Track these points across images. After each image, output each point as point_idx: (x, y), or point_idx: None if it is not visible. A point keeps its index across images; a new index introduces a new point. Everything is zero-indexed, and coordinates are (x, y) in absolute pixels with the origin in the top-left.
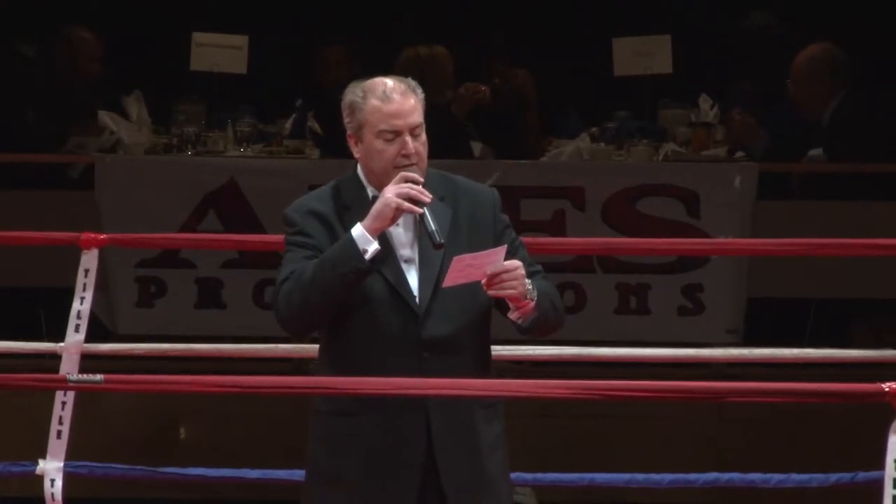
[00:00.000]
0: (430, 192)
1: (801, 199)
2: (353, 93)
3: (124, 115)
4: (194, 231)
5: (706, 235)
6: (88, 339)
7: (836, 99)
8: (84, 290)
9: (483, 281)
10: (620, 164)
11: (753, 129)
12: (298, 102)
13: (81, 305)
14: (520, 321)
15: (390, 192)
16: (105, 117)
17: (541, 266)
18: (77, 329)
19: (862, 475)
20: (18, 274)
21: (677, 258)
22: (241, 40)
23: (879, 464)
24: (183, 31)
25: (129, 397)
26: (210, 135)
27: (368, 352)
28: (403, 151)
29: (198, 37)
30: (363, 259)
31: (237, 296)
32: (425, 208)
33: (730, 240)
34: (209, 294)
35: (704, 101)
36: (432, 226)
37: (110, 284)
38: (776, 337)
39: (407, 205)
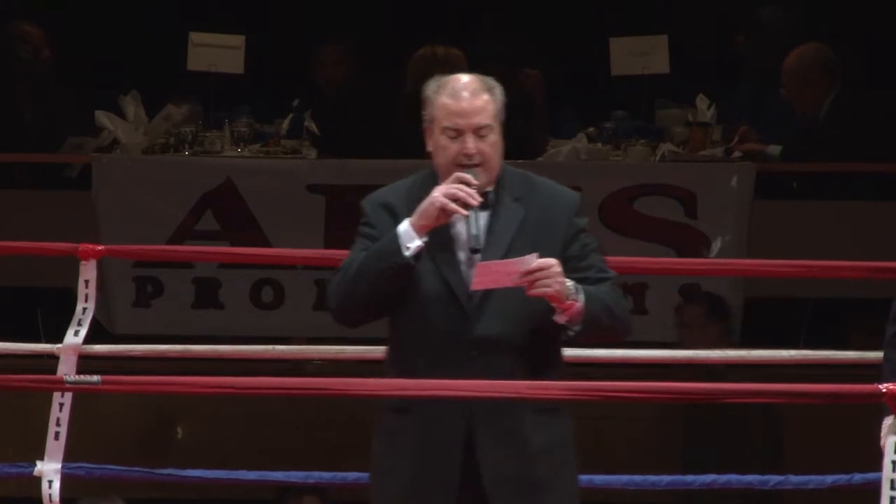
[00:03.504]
0: (506, 192)
1: (799, 199)
2: (429, 86)
3: (121, 114)
4: (191, 231)
5: (703, 235)
6: (86, 340)
7: (830, 98)
8: (86, 300)
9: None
10: (617, 163)
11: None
12: (295, 102)
13: (83, 314)
14: (567, 324)
15: (438, 192)
16: (102, 117)
17: (614, 273)
18: (76, 333)
19: (859, 476)
20: (16, 274)
21: (675, 258)
22: (239, 40)
23: (878, 465)
24: (180, 31)
25: (127, 398)
26: (207, 135)
27: (419, 347)
28: (464, 151)
29: (195, 37)
30: (402, 255)
31: (235, 296)
32: (472, 211)
33: (727, 260)
34: (207, 294)
35: (701, 101)
36: (473, 230)
37: (107, 284)
38: (773, 338)
39: (452, 206)
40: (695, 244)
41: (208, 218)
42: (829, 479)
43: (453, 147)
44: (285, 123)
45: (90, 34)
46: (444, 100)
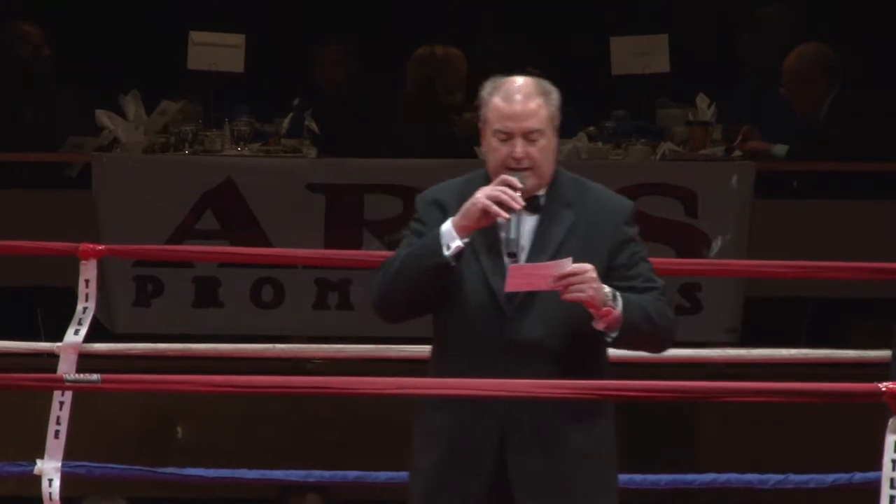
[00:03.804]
0: (558, 197)
1: (799, 199)
2: (485, 86)
3: (121, 114)
4: (192, 230)
5: (704, 234)
6: (86, 340)
7: (830, 97)
8: (87, 300)
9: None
10: (618, 163)
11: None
12: (296, 101)
13: (84, 313)
14: (605, 331)
15: (481, 193)
16: (102, 116)
17: (661, 282)
18: (76, 332)
19: (860, 475)
20: (16, 274)
21: (675, 257)
22: (239, 39)
23: (878, 464)
24: (180, 31)
25: (127, 397)
26: (207, 134)
27: (459, 348)
28: (513, 154)
29: (195, 36)
30: (442, 254)
31: (235, 295)
32: (515, 215)
33: (727, 260)
34: (207, 293)
35: (702, 101)
36: (512, 234)
37: (108, 284)
38: (774, 337)
39: (494, 208)
40: (695, 243)
41: (208, 217)
42: (829, 478)
43: (503, 150)
44: (285, 122)
45: (90, 34)
46: (497, 102)
